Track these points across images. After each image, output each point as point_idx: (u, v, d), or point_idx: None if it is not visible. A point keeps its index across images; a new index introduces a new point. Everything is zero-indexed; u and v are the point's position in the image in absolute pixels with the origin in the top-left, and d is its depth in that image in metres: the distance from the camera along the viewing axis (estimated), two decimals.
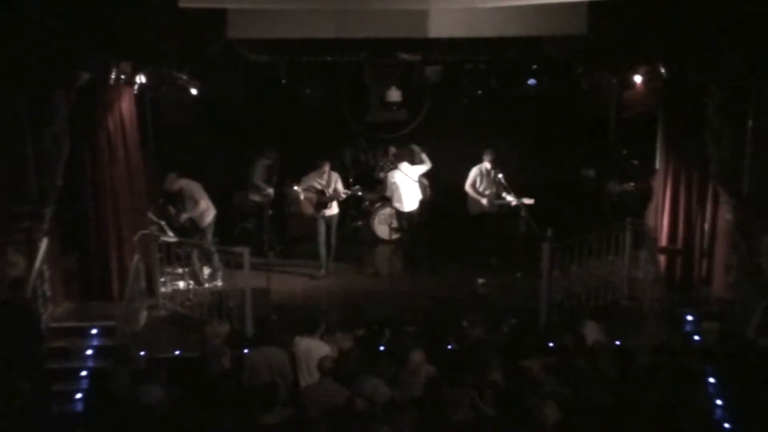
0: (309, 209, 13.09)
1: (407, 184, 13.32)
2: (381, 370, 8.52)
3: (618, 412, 7.71)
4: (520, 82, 14.64)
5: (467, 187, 13.19)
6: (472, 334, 9.65)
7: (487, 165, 13.05)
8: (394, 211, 13.80)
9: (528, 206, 12.68)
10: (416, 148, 13.80)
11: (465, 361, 8.83)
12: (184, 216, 12.07)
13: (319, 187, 12.93)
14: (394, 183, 13.43)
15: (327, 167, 12.98)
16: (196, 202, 12.02)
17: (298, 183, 13.24)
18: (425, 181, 14.10)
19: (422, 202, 13.68)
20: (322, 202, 12.93)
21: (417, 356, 8.48)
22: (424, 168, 13.43)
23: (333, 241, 13.17)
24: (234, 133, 15.08)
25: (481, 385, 8.01)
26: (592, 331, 9.55)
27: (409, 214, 13.48)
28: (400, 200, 13.41)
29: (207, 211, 12.18)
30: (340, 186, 13.07)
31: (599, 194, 13.95)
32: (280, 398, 8.14)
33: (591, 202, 14.10)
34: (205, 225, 12.18)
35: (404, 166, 13.46)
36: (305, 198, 13.05)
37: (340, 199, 13.18)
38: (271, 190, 13.89)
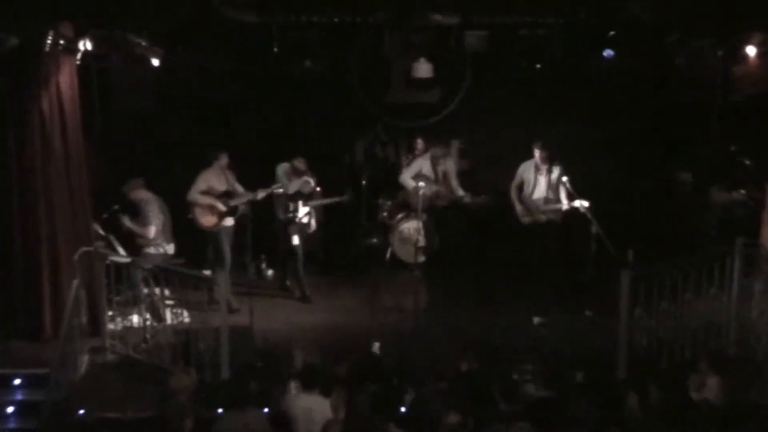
0: (210, 221, 12.71)
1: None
2: None
3: None
4: (592, 54, 14.53)
5: (511, 188, 13.27)
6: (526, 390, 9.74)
7: (538, 161, 12.93)
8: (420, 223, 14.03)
9: (590, 214, 12.59)
10: (456, 144, 14.04)
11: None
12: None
13: (222, 188, 12.68)
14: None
15: (225, 160, 12.79)
16: (145, 226, 12.08)
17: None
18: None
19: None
20: (232, 208, 12.67)
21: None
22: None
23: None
24: (207, 118, 15.16)
25: None
26: (713, 392, 9.26)
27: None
28: None
29: (154, 242, 12.12)
30: (239, 186, 12.91)
31: (698, 205, 14.09)
32: None
33: (687, 215, 14.30)
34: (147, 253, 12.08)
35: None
36: (204, 205, 12.63)
37: (257, 199, 12.87)
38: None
